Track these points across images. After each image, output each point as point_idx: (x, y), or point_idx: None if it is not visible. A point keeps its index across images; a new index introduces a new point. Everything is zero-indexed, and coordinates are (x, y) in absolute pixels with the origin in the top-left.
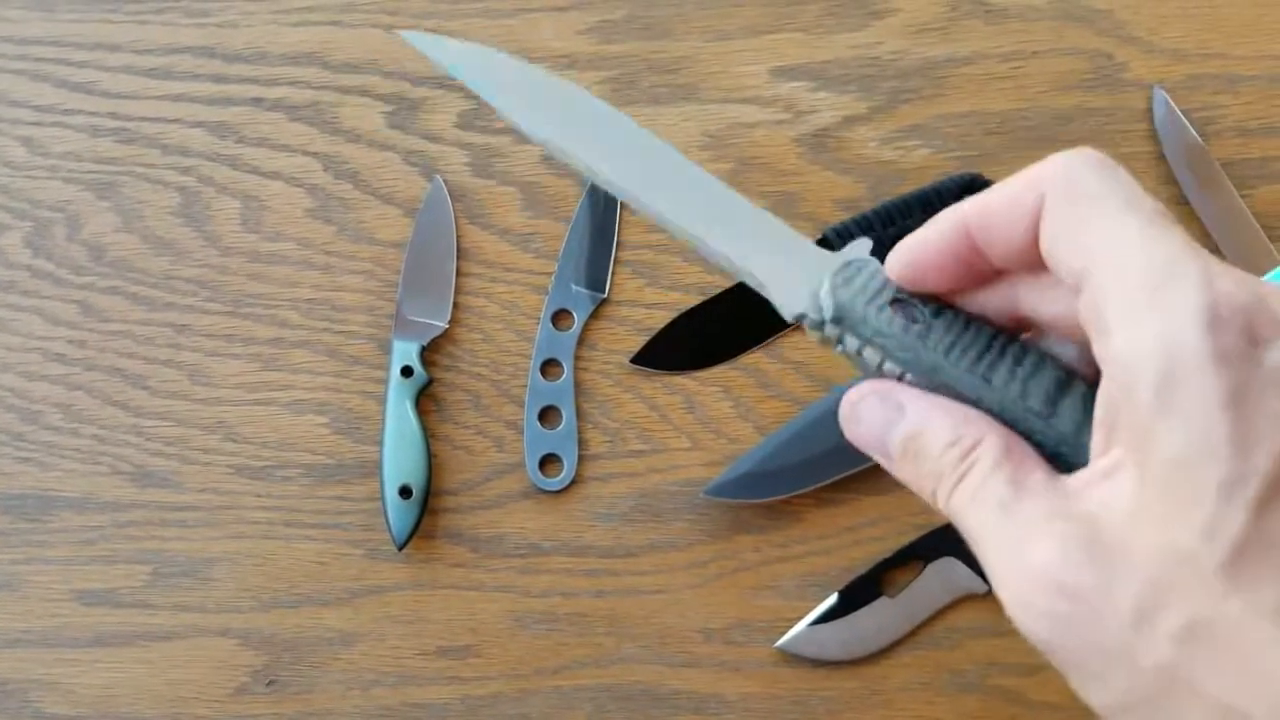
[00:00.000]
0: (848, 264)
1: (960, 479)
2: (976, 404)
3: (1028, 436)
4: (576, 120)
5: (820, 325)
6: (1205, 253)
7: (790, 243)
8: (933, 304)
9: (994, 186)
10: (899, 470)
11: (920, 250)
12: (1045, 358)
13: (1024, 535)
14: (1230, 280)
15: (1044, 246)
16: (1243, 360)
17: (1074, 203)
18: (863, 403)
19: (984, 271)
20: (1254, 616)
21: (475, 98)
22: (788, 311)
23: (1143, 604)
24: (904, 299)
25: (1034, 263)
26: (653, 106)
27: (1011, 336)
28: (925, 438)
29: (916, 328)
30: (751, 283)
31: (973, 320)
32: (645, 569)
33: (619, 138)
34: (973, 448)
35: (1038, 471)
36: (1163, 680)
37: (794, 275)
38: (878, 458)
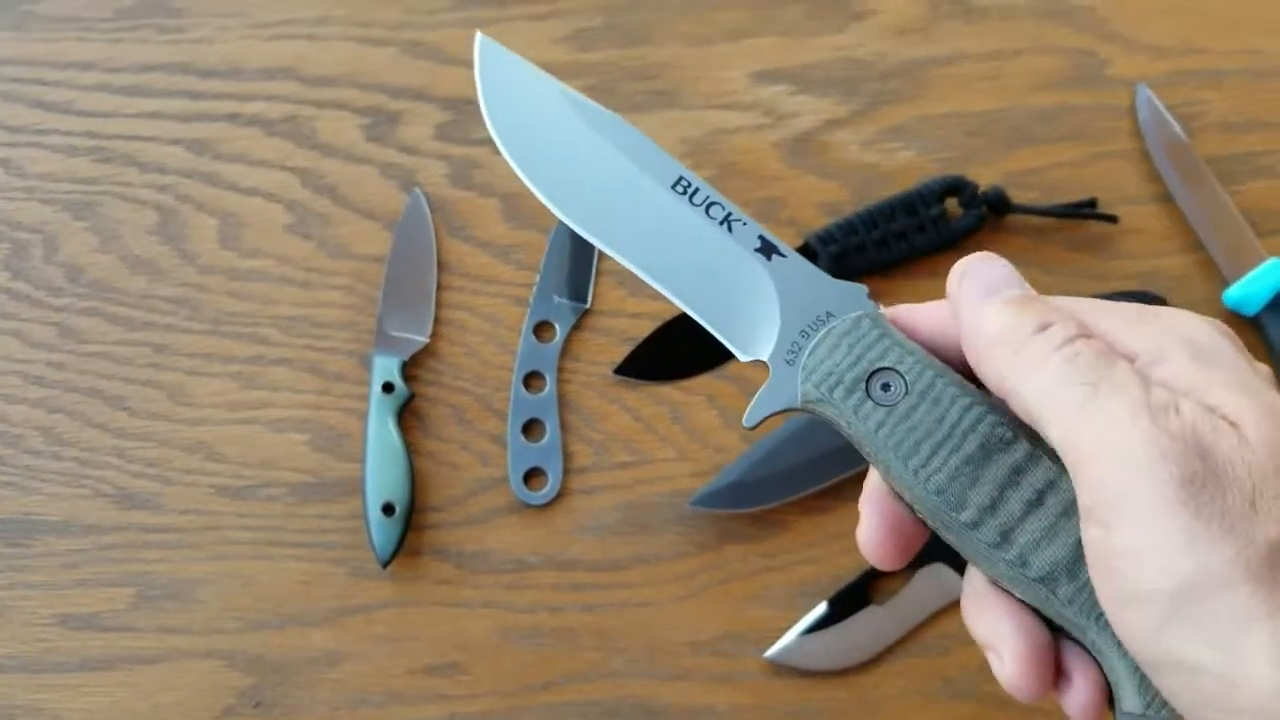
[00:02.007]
0: (828, 333)
1: (1091, 335)
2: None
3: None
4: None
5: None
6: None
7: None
8: (916, 366)
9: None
10: (999, 312)
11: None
12: (995, 451)
13: (1161, 401)
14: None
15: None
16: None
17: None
18: (990, 257)
19: None
20: None
21: (459, 110)
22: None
23: (1260, 480)
24: (886, 366)
25: None
26: (632, 114)
27: (982, 411)
28: (1050, 302)
29: (880, 412)
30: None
31: (942, 394)
32: (633, 582)
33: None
34: (1093, 334)
35: None
36: (1272, 560)
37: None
38: (977, 299)
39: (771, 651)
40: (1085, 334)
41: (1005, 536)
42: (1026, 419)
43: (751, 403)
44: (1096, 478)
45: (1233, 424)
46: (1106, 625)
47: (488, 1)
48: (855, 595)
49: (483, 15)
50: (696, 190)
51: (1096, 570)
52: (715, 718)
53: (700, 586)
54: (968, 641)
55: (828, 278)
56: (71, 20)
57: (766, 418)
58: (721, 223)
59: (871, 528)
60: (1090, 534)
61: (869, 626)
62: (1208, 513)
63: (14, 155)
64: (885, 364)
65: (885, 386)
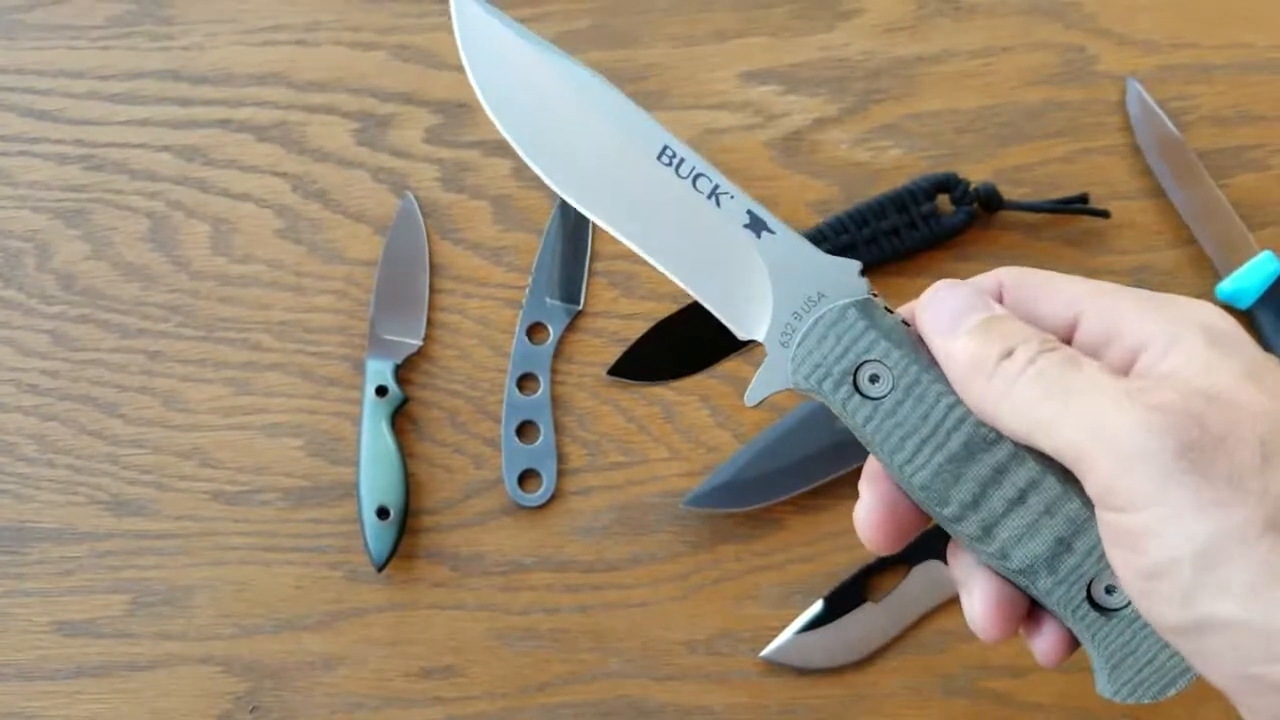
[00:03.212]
0: (816, 322)
1: (1054, 348)
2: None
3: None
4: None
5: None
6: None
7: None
8: (902, 362)
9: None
10: (965, 344)
11: None
12: (979, 450)
13: (1143, 386)
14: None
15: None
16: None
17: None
18: (949, 285)
19: None
20: None
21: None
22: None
23: (1268, 438)
24: (872, 359)
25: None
26: None
27: (966, 410)
28: (1007, 323)
29: (867, 406)
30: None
31: (927, 391)
32: (628, 582)
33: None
34: (1058, 345)
35: None
36: None
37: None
38: (940, 330)
39: (767, 650)
40: (1049, 347)
41: (987, 531)
42: (1022, 442)
43: (752, 381)
44: (1096, 469)
45: (1239, 403)
46: (1084, 616)
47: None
48: (851, 593)
49: None
50: (683, 160)
51: (1117, 553)
52: (711, 717)
53: (695, 586)
54: (964, 639)
55: (819, 254)
56: (61, 28)
57: (766, 398)
58: (709, 196)
59: (868, 508)
60: (1105, 519)
61: (865, 624)
62: (1213, 475)
63: (4, 164)
64: (871, 357)
65: (873, 378)
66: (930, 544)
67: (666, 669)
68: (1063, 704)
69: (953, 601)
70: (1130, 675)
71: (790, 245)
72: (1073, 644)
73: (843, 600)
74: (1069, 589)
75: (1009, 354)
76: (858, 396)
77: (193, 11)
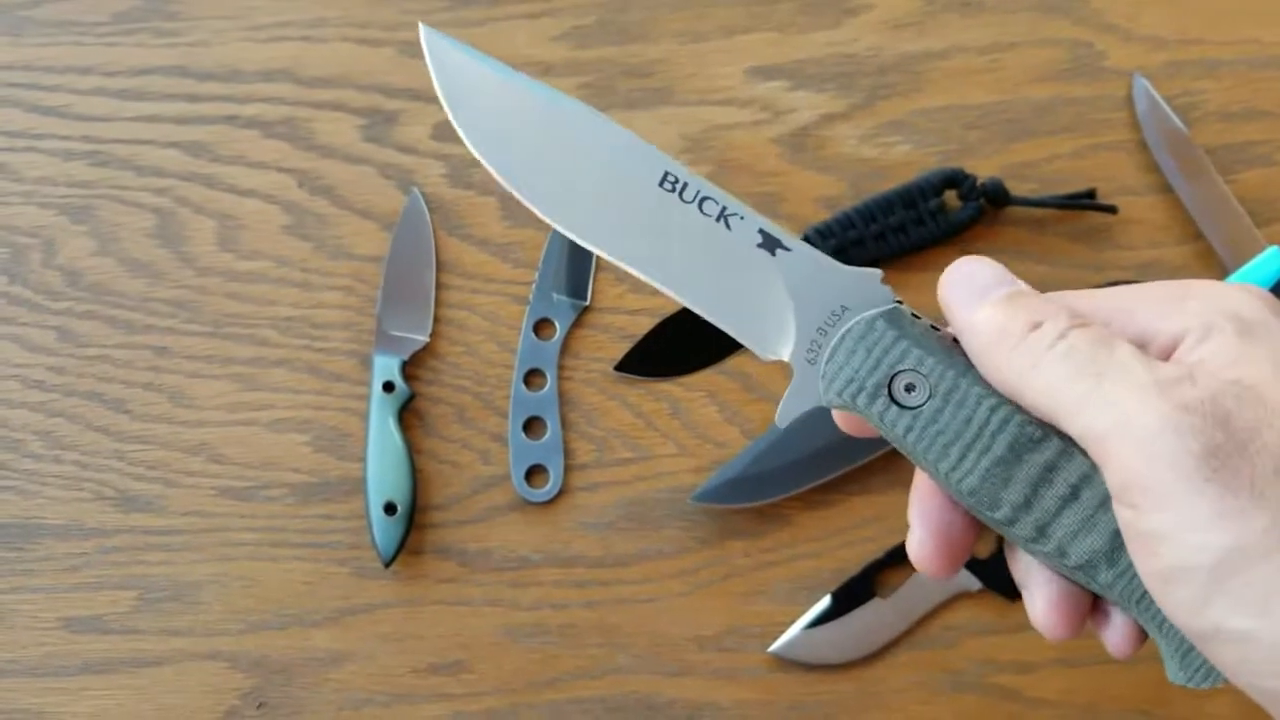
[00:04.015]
0: (844, 336)
1: (1085, 324)
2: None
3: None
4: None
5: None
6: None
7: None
8: (938, 369)
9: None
10: (991, 314)
11: None
12: (1025, 450)
13: (1170, 376)
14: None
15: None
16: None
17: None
18: (977, 259)
19: None
20: None
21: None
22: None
23: None
24: (906, 368)
25: None
26: (629, 111)
27: (1009, 411)
28: (1040, 297)
29: (906, 417)
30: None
31: (966, 395)
32: (635, 578)
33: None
34: (1089, 322)
35: None
36: None
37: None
38: (968, 301)
39: (775, 646)
40: (1079, 323)
41: (1041, 531)
42: (1041, 417)
43: (781, 402)
44: (1119, 463)
45: (1266, 400)
46: (1148, 607)
47: (482, 1)
48: (858, 588)
49: (477, 15)
50: (685, 185)
51: (1135, 549)
52: (719, 712)
53: (703, 582)
54: (972, 634)
55: (839, 266)
56: (68, 24)
57: (797, 418)
58: (718, 219)
59: (920, 541)
60: (1123, 516)
61: (873, 620)
62: (1235, 484)
63: (11, 160)
64: (905, 366)
65: (909, 388)
66: None
67: (675, 664)
68: (1070, 699)
69: (960, 596)
70: (1201, 661)
71: (808, 261)
72: (1143, 634)
73: (851, 596)
74: (1130, 580)
75: (1037, 326)
76: (895, 408)
77: (199, 8)
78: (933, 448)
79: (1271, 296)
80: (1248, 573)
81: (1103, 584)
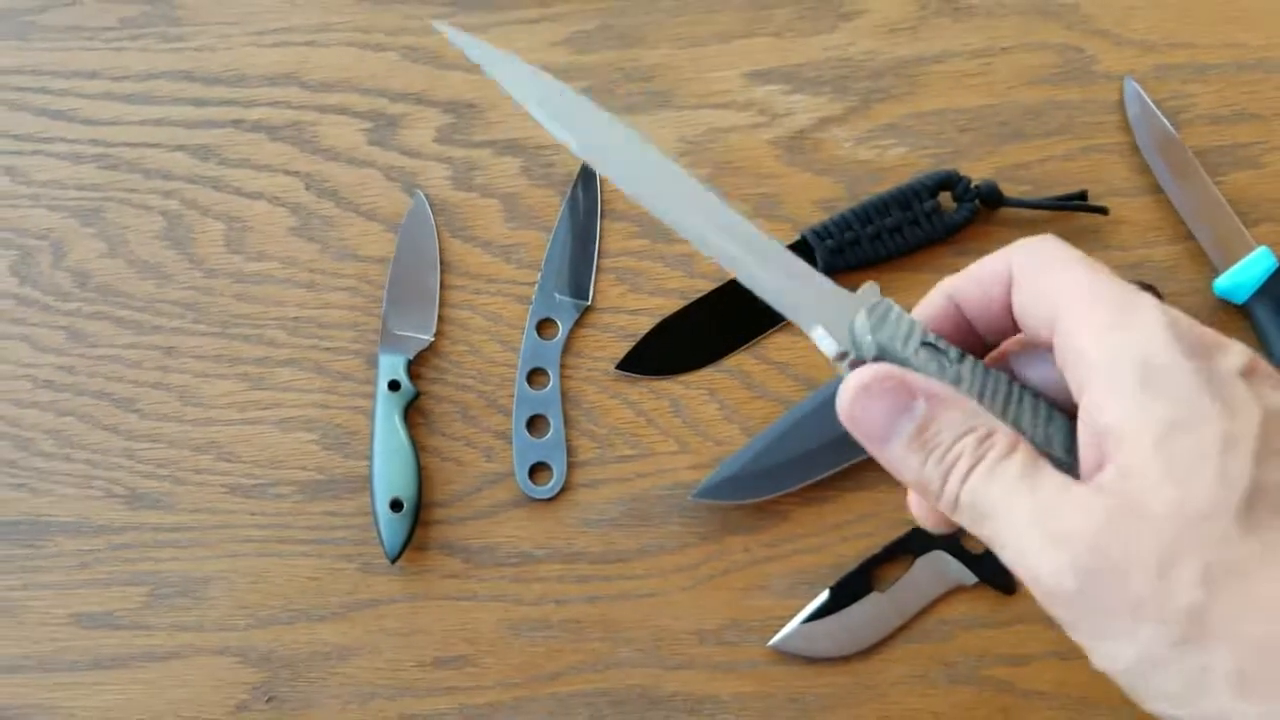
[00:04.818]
0: (875, 305)
1: (979, 460)
2: None
3: None
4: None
5: (860, 363)
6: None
7: (810, 279)
8: (955, 348)
9: (970, 266)
10: (903, 459)
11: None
12: (1055, 407)
13: (1048, 505)
14: (1177, 310)
15: (1016, 310)
16: (1204, 359)
17: (1038, 268)
18: (868, 392)
19: (976, 344)
20: (1274, 554)
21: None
22: (829, 349)
23: (1168, 553)
24: (931, 342)
25: (1010, 329)
26: (629, 114)
27: (1022, 385)
28: (939, 426)
29: (951, 370)
30: (792, 317)
31: (989, 367)
32: (637, 573)
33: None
34: (988, 435)
35: (1046, 463)
36: (1193, 624)
37: (828, 314)
38: (872, 445)
39: (774, 640)
40: (976, 459)
41: None
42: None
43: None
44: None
45: (1144, 509)
46: None
47: (484, 6)
48: (856, 583)
49: (478, 21)
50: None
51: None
52: (720, 706)
53: (703, 577)
54: (968, 627)
55: (830, 285)
56: (75, 29)
57: (839, 356)
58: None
59: (933, 312)
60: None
61: (870, 614)
62: (1113, 607)
63: (20, 163)
64: (929, 340)
65: (938, 359)
66: (934, 535)
67: (676, 658)
68: (1062, 691)
69: (956, 591)
70: None
71: (817, 285)
72: None
73: (849, 590)
74: None
75: (946, 477)
76: (925, 354)
77: (204, 13)
78: (972, 388)
79: (1173, 340)
80: (1156, 675)
81: None
